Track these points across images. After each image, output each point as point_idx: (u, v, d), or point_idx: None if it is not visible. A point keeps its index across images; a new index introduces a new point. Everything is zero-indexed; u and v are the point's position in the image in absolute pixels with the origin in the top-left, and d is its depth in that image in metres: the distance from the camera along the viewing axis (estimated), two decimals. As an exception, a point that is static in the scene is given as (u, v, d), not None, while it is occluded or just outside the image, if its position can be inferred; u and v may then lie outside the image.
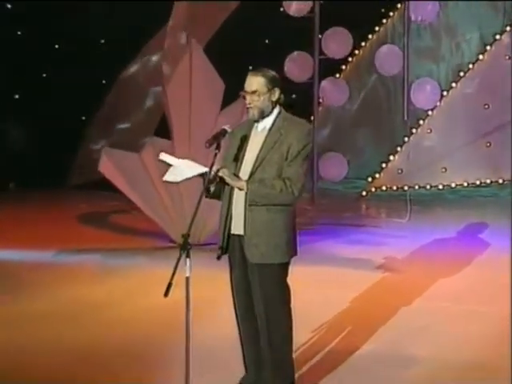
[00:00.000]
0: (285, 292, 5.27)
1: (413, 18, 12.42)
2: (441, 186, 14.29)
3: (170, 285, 4.74)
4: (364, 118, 15.73)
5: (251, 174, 5.14)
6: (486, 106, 14.36)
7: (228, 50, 15.45)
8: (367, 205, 13.84)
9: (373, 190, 14.18)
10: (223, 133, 5.11)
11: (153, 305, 7.24)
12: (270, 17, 14.14)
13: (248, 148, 5.23)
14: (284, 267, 5.26)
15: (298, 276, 8.71)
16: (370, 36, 16.06)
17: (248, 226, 5.13)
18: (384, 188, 14.18)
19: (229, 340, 5.79)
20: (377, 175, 14.28)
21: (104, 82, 15.38)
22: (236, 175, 5.15)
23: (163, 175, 5.18)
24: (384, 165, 14.30)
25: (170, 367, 5.92)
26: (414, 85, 12.46)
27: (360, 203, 13.86)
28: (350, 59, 15.98)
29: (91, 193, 13.73)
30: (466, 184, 14.36)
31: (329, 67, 14.02)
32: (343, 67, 16.02)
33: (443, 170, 14.21)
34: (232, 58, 15.98)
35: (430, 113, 14.24)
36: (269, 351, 5.24)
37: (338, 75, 15.63)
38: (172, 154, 8.47)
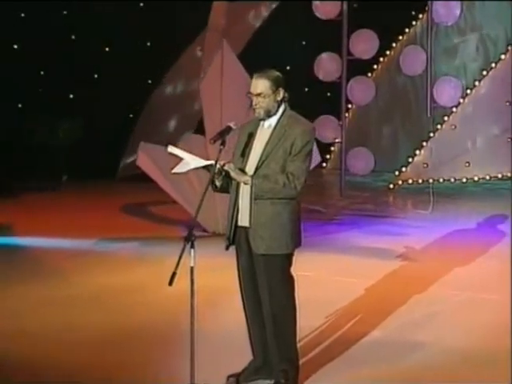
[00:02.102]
0: (289, 281, 5.15)
1: (436, 20, 12.12)
2: (464, 180, 14.02)
3: (174, 274, 4.65)
4: (394, 114, 15.53)
5: (257, 169, 5.05)
6: (508, 103, 14.04)
7: (267, 50, 15.37)
8: (394, 197, 13.60)
9: (400, 183, 13.96)
10: (228, 130, 5.02)
11: (180, 291, 7.13)
12: (307, 19, 13.96)
13: (254, 144, 5.14)
14: (288, 258, 5.14)
15: (319, 264, 8.70)
16: (400, 37, 15.89)
17: (253, 218, 5.04)
18: (410, 181, 13.94)
19: (240, 326, 5.65)
20: (403, 169, 14.06)
21: (150, 81, 15.37)
22: (242, 170, 5.05)
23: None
24: (410, 159, 14.08)
25: (184, 351, 5.77)
26: (437, 83, 12.17)
27: (387, 195, 13.63)
28: (381, 59, 15.85)
29: (137, 185, 13.64)
30: (488, 178, 14.08)
31: (360, 67, 13.82)
32: (375, 67, 15.90)
33: (467, 164, 13.93)
34: (271, 58, 15.89)
35: (454, 110, 13.99)
36: (274, 338, 5.15)
37: (369, 74, 15.52)
38: (205, 148, 8.37)
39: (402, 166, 14.11)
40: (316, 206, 12.17)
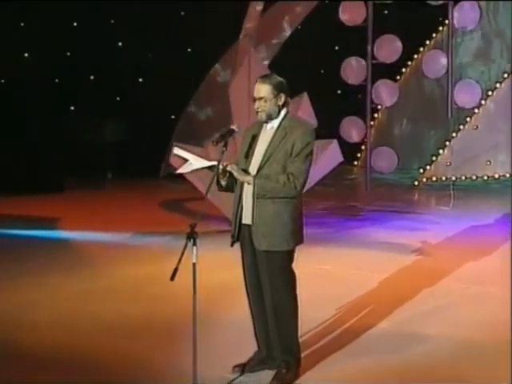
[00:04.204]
0: (290, 277, 5.00)
1: (456, 25, 11.85)
2: (485, 177, 13.74)
3: (175, 270, 4.56)
4: (420, 115, 15.29)
5: (259, 169, 4.94)
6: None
7: (303, 55, 15.27)
8: (417, 194, 13.37)
9: (424, 180, 13.74)
10: (230, 132, 4.92)
11: (205, 284, 7.04)
12: (340, 26, 13.81)
13: (257, 145, 5.03)
14: (289, 254, 5.00)
15: (338, 258, 8.55)
16: (427, 42, 15.63)
17: (256, 216, 4.93)
18: (434, 179, 13.71)
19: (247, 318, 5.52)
20: (427, 167, 13.83)
21: (190, 85, 15.35)
22: (245, 170, 4.94)
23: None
24: (434, 158, 13.84)
25: (203, 341, 5.64)
26: (457, 86, 11.89)
27: (411, 192, 13.41)
28: (409, 63, 15.64)
29: (177, 182, 13.62)
30: (508, 175, 13.79)
31: (389, 70, 13.62)
32: (403, 70, 15.70)
33: (488, 162, 13.67)
34: (306, 63, 15.80)
35: (476, 111, 13.71)
36: (275, 330, 5.03)
37: (398, 77, 15.36)
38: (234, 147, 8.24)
39: (426, 164, 13.90)
40: (341, 203, 12.02)
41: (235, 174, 4.89)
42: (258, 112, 4.95)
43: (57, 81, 15.33)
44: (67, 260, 8.53)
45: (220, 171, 4.87)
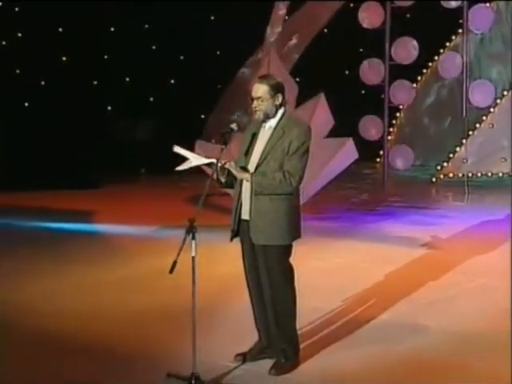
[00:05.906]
0: (287, 271, 4.94)
1: (470, 28, 11.66)
2: (500, 174, 13.50)
3: (174, 263, 4.54)
4: (439, 114, 15.11)
5: (257, 166, 4.89)
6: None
7: (329, 57, 15.14)
8: (434, 189, 13.19)
9: (441, 176, 13.55)
10: (230, 131, 4.87)
11: (221, 275, 7.06)
12: (364, 29, 13.66)
13: (256, 144, 4.98)
14: (286, 249, 4.94)
15: (351, 251, 8.45)
16: (447, 44, 15.45)
17: (253, 212, 4.88)
18: (451, 175, 13.50)
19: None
20: (445, 164, 13.64)
21: (219, 86, 15.33)
22: (243, 167, 4.90)
23: None
24: (451, 155, 13.64)
25: (215, 329, 5.61)
26: (471, 86, 11.69)
27: (428, 188, 13.22)
28: (430, 64, 15.49)
29: (205, 178, 13.59)
30: (521, 172, 13.58)
31: (410, 72, 13.45)
32: (424, 71, 15.55)
33: (503, 159, 13.44)
34: (331, 65, 15.67)
35: (491, 110, 13.49)
36: (274, 322, 4.98)
37: (419, 78, 15.21)
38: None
39: (444, 161, 13.71)
40: (360, 198, 11.90)
41: (233, 171, 4.85)
42: (255, 111, 4.90)
43: (95, 83, 15.40)
44: (96, 251, 8.53)
45: (218, 168, 4.82)
